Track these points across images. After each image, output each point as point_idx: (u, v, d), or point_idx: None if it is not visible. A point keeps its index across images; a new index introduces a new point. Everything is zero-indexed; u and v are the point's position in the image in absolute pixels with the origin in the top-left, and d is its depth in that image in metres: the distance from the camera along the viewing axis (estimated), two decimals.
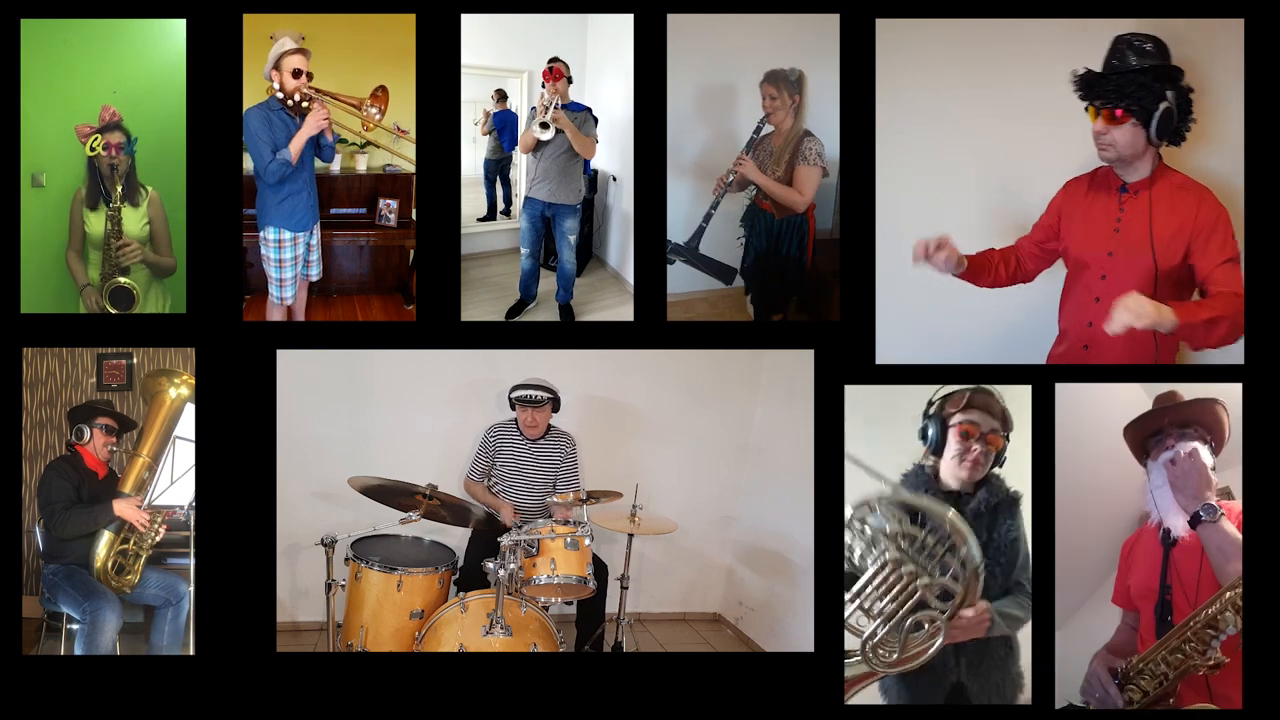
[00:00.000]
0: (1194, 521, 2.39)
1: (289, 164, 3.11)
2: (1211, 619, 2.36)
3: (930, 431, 2.24)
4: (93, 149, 3.03)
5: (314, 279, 3.36)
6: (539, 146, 3.53)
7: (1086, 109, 2.64)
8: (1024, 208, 2.94)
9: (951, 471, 2.24)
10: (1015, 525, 2.27)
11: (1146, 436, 2.57)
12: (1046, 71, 2.92)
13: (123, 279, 3.08)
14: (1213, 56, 2.73)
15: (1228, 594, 2.35)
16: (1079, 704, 2.65)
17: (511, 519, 3.45)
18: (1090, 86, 2.61)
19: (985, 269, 2.82)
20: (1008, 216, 2.98)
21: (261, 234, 3.19)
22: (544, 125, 3.43)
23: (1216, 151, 2.77)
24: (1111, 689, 2.51)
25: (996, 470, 2.28)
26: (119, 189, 3.06)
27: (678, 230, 3.15)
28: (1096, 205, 2.71)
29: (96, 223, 3.11)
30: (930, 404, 2.23)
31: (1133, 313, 2.37)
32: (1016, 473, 2.51)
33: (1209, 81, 2.70)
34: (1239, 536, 2.39)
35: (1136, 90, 2.54)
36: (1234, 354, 2.84)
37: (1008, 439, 2.19)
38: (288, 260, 3.20)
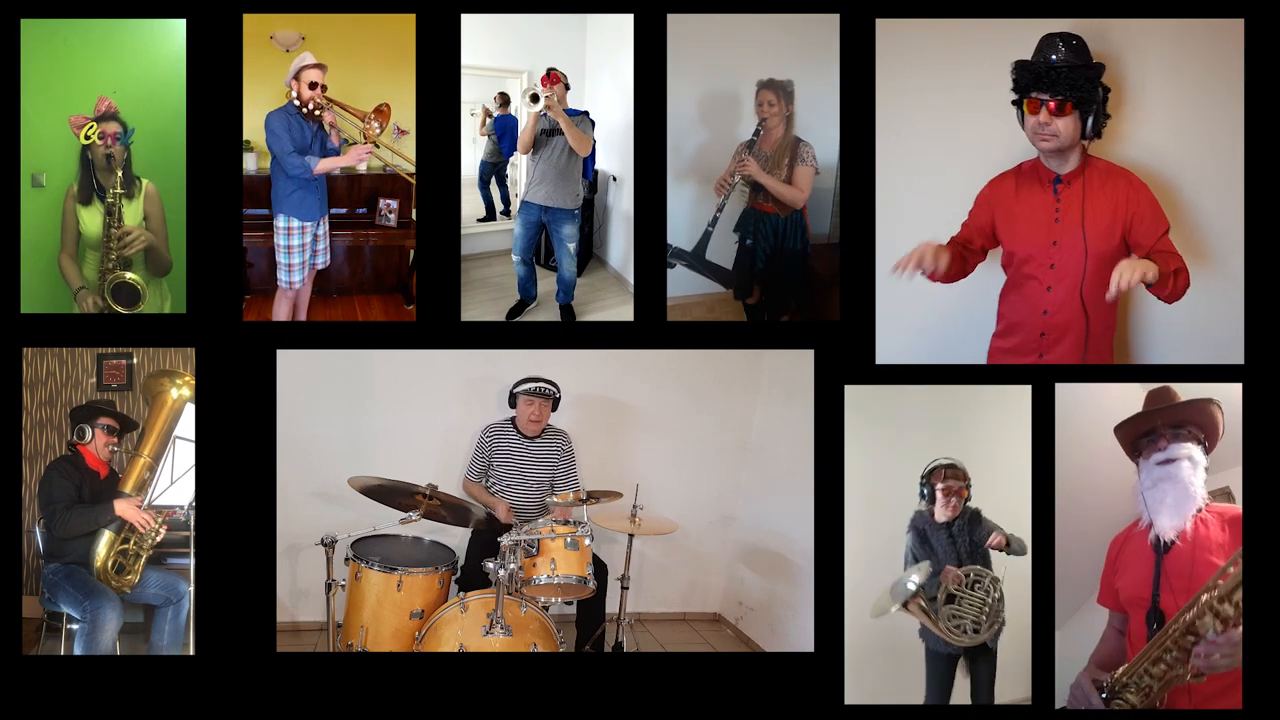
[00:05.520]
0: None
1: (309, 170, 3.33)
2: (1190, 625, 2.28)
3: (925, 492, 2.95)
4: (87, 138, 2.99)
5: (320, 267, 3.49)
6: (538, 147, 3.53)
7: (1022, 100, 2.74)
8: None
9: (940, 513, 2.92)
10: (984, 526, 2.91)
11: (1139, 436, 2.55)
12: None
13: (127, 274, 3.05)
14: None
15: (1204, 597, 2.27)
16: None
17: (506, 516, 3.45)
18: (1040, 78, 2.69)
19: (958, 262, 2.86)
20: None
21: (274, 222, 3.39)
22: (534, 98, 3.38)
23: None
24: (1095, 699, 2.48)
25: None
26: (118, 176, 3.02)
27: (679, 233, 3.15)
28: (1031, 200, 2.82)
29: (90, 220, 3.07)
30: (923, 477, 2.95)
31: (1128, 268, 2.58)
32: (1009, 475, 2.90)
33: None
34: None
35: (1085, 84, 2.67)
36: (1234, 354, 2.85)
37: (969, 488, 2.95)
38: (296, 247, 3.37)
